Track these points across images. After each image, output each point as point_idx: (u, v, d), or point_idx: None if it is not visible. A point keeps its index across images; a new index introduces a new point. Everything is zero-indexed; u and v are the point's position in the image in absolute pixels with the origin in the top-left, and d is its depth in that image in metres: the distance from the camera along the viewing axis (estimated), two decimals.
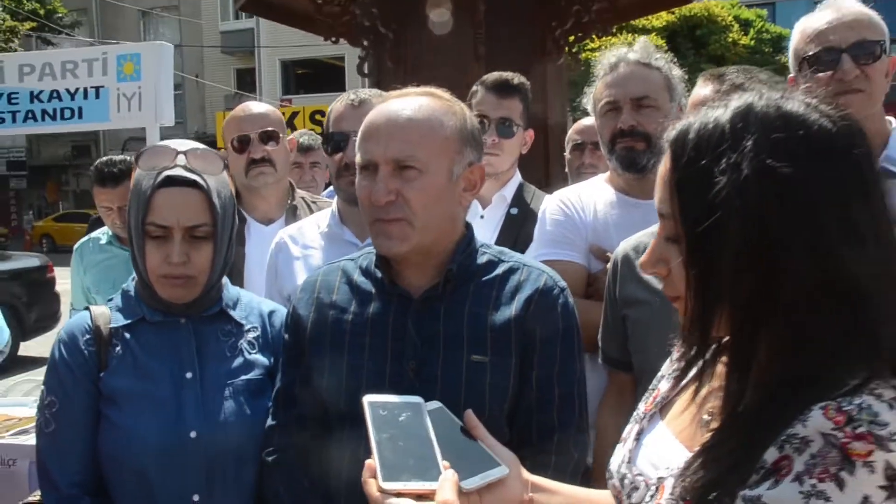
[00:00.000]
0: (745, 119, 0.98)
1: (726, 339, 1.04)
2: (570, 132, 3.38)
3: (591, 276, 2.30)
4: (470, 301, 1.57)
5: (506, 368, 1.53)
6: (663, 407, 1.19)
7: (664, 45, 17.03)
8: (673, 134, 1.04)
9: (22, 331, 8.97)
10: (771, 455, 0.90)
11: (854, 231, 0.94)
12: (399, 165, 1.51)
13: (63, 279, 5.96)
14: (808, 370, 0.93)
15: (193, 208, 1.69)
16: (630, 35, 14.27)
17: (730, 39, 19.58)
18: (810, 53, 2.07)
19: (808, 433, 0.88)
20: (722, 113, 1.00)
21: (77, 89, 4.50)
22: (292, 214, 2.75)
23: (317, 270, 1.77)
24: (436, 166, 1.52)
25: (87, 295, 3.55)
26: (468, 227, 1.66)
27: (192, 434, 1.68)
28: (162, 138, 4.27)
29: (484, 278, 1.60)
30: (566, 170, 3.39)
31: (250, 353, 1.79)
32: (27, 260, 10.25)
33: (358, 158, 1.57)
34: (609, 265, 2.09)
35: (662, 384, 1.23)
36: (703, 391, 1.09)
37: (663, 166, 1.05)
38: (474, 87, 2.67)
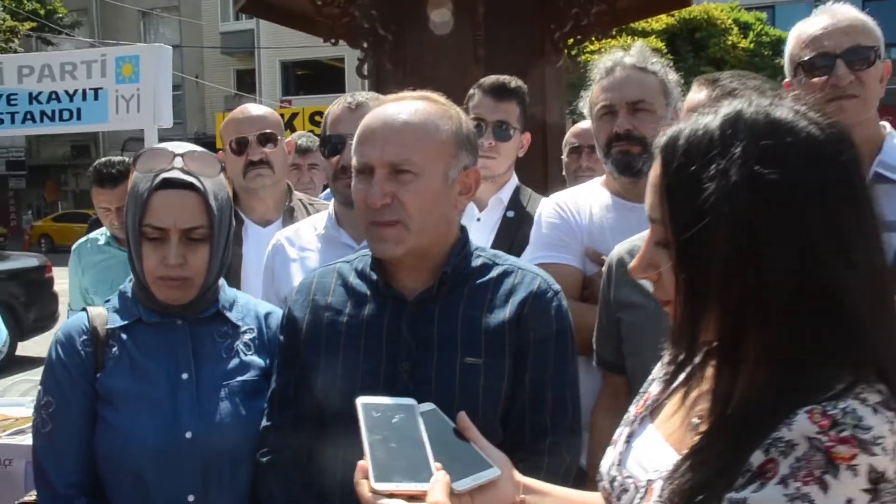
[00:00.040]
0: (735, 126, 0.99)
1: (715, 342, 1.05)
2: (567, 135, 3.39)
3: (586, 279, 2.30)
4: (464, 303, 1.58)
5: (499, 371, 1.54)
6: (654, 410, 1.20)
7: (663, 47, 17.08)
8: (663, 140, 1.05)
9: (20, 331, 8.98)
10: (757, 458, 0.91)
11: (841, 237, 0.96)
12: (395, 169, 1.52)
13: (61, 279, 5.96)
14: (795, 374, 0.94)
15: (190, 210, 1.70)
16: (629, 38, 14.30)
17: (729, 42, 19.60)
18: (805, 58, 2.08)
19: (793, 437, 0.89)
20: (711, 119, 1.01)
21: (76, 91, 4.53)
22: (289, 216, 2.76)
23: (312, 272, 1.78)
24: (431, 170, 1.54)
25: (85, 295, 3.56)
26: (463, 230, 1.67)
27: (188, 435, 1.68)
28: (161, 139, 4.32)
29: (478, 281, 1.61)
30: (563, 173, 3.41)
31: (246, 355, 1.80)
32: (25, 260, 10.26)
33: (354, 162, 1.58)
34: (604, 268, 2.10)
35: (653, 387, 1.24)
36: (693, 394, 1.10)
37: (654, 172, 1.06)
38: (471, 90, 2.68)
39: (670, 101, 2.27)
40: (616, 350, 2.06)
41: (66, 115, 4.55)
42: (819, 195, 0.95)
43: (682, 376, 1.12)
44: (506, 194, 2.68)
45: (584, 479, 1.92)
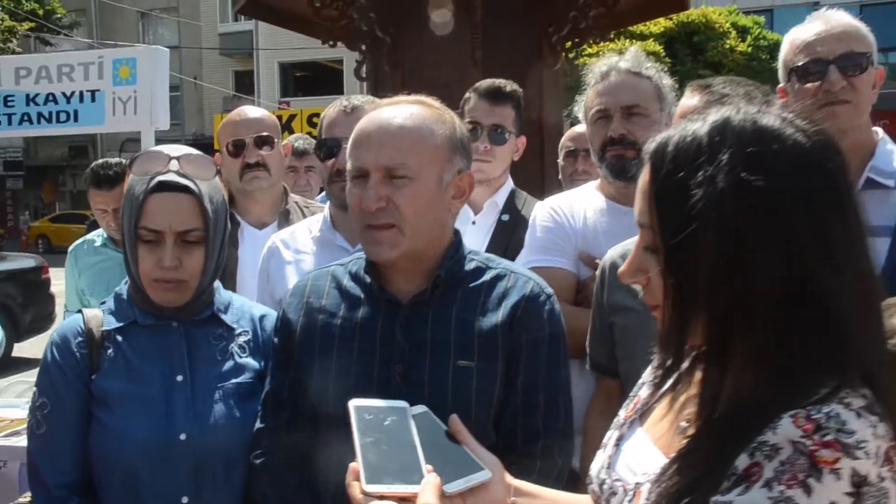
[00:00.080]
0: (722, 133, 1.00)
1: (703, 347, 1.06)
2: (563, 139, 3.40)
3: (580, 283, 2.31)
4: (457, 307, 1.59)
5: (492, 374, 1.55)
6: (643, 413, 1.21)
7: (662, 51, 17.09)
8: (652, 146, 1.07)
9: (16, 332, 8.97)
10: (742, 462, 0.92)
11: (828, 244, 0.97)
12: (390, 173, 1.53)
13: (58, 280, 5.96)
14: (780, 379, 0.96)
15: (185, 213, 1.71)
16: (628, 41, 14.31)
17: (727, 46, 19.60)
18: (798, 64, 2.09)
19: (777, 440, 0.90)
20: (700, 126, 1.02)
21: (73, 92, 4.53)
22: (285, 219, 2.77)
23: (307, 275, 1.79)
24: (426, 174, 1.55)
25: (82, 297, 3.56)
26: (456, 233, 1.68)
27: (182, 436, 1.69)
28: (159, 140, 4.32)
29: (471, 284, 1.62)
30: (559, 176, 3.41)
31: (241, 357, 1.81)
32: (22, 260, 10.25)
33: (349, 165, 1.59)
34: (597, 272, 2.11)
35: (643, 391, 1.25)
36: (682, 398, 1.11)
37: (643, 178, 1.08)
38: (467, 94, 2.69)
39: (664, 106, 2.28)
40: (609, 354, 2.06)
41: (62, 116, 4.55)
42: (806, 202, 0.96)
43: (670, 380, 1.13)
44: (501, 198, 2.69)
45: (577, 481, 1.93)
